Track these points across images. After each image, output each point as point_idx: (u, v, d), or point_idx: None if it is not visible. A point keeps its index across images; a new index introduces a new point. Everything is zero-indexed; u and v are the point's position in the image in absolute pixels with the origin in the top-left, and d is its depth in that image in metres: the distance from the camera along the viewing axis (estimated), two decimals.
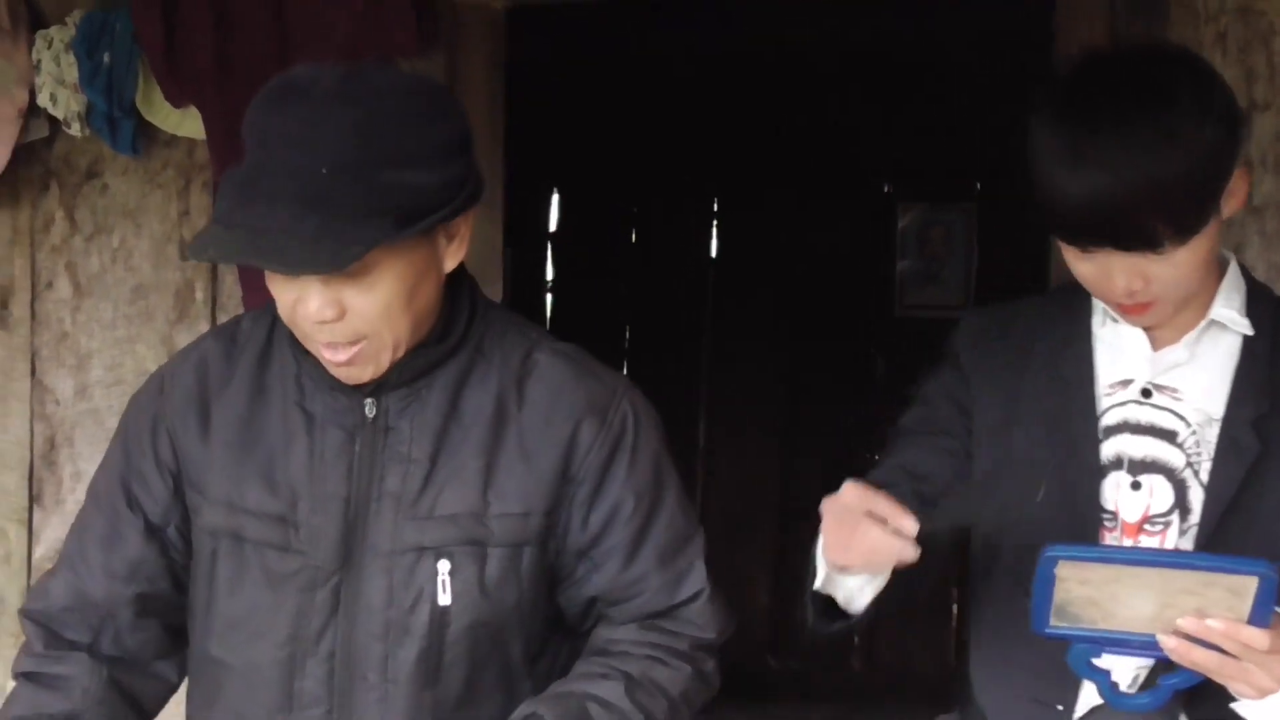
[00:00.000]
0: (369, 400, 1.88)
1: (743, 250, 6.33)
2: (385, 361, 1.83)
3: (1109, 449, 1.88)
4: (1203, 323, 1.86)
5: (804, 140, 6.03)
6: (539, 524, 1.90)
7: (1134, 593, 1.68)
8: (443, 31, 3.21)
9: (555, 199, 6.50)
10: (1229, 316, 1.87)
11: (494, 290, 3.28)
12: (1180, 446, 1.87)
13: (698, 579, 1.95)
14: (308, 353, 1.87)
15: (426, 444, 1.88)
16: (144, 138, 3.35)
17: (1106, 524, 1.86)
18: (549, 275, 6.54)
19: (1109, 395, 1.89)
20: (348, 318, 1.78)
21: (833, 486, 1.77)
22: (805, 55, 5.57)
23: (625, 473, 1.92)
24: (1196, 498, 1.85)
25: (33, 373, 3.49)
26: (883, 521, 1.66)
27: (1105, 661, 1.77)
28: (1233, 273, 1.90)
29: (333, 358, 1.82)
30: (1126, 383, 1.89)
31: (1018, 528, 1.82)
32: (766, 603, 6.20)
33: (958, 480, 1.93)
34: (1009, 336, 1.97)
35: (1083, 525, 1.84)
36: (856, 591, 1.84)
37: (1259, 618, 1.65)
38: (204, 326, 3.36)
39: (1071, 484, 1.87)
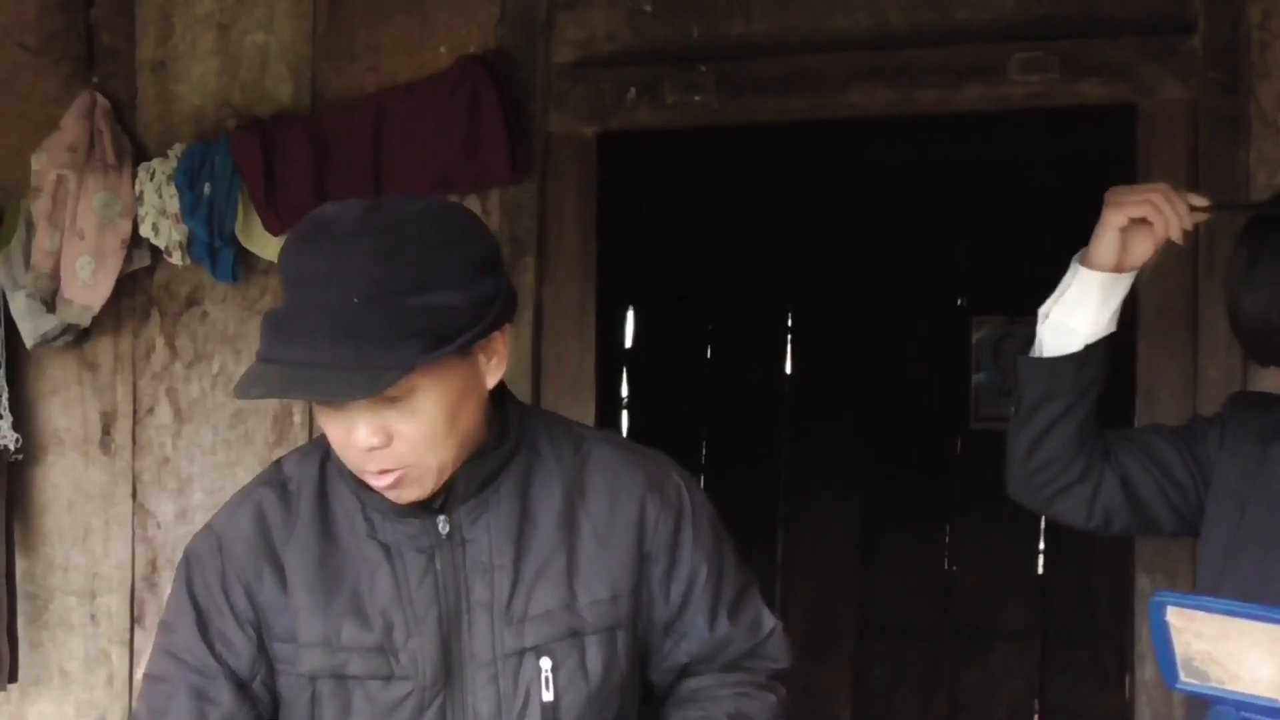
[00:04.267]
0: (441, 518, 1.93)
1: (818, 365, 6.36)
2: (430, 484, 1.88)
3: None
4: None
5: (878, 255, 6.08)
6: (628, 605, 1.97)
7: (1249, 651, 1.72)
8: (536, 159, 3.28)
9: (630, 316, 6.57)
10: None
11: (587, 410, 3.32)
12: None
13: (769, 618, 2.09)
14: (367, 486, 1.91)
15: (507, 549, 1.94)
16: (242, 266, 3.43)
17: None
18: (624, 392, 6.59)
19: None
20: (394, 444, 1.82)
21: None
22: (879, 173, 5.63)
23: (692, 542, 2.00)
24: None
25: (134, 496, 3.55)
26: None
27: None
28: None
29: (378, 482, 1.86)
30: None
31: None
32: (847, 716, 6.15)
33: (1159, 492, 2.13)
34: (1265, 413, 2.08)
35: None
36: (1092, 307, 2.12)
37: None
38: None
39: None
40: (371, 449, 1.83)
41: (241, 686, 1.97)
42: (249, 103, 3.45)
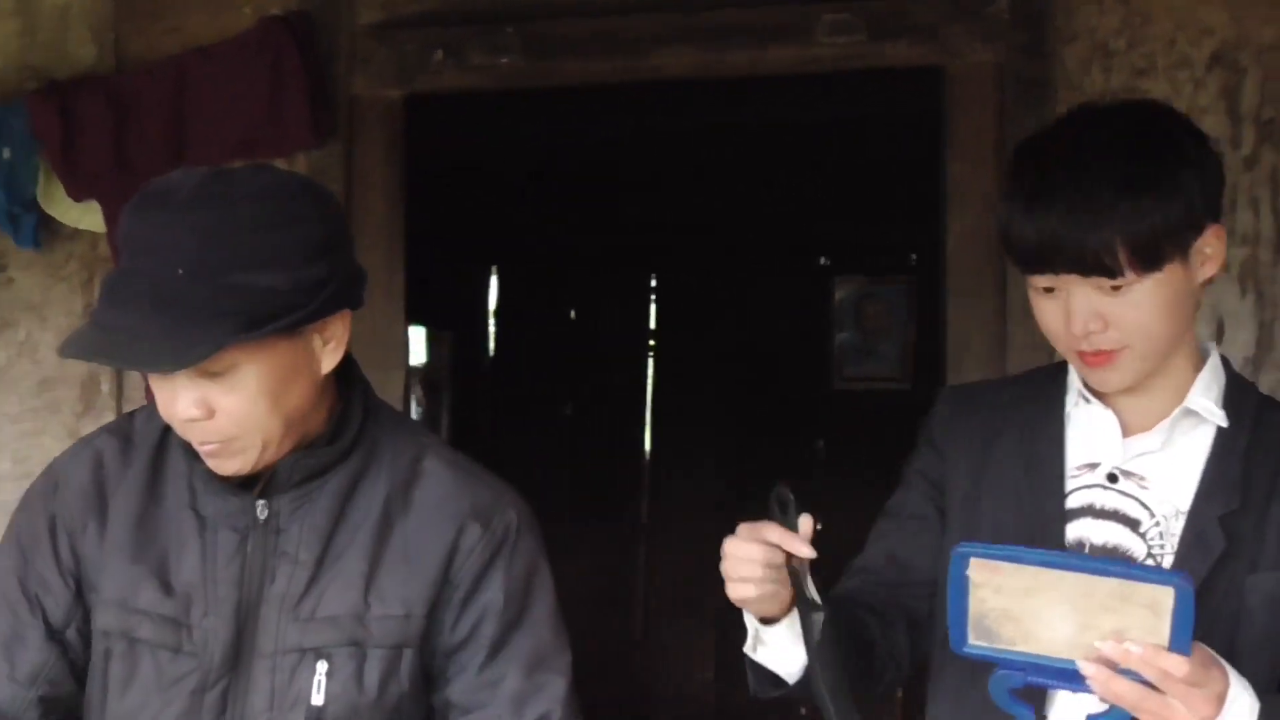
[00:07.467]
0: (261, 502, 1.89)
1: (681, 328, 6.35)
2: (253, 458, 1.85)
3: (1072, 532, 1.86)
4: (1177, 411, 1.84)
5: (741, 215, 6.06)
6: (419, 626, 1.91)
7: (1051, 607, 1.65)
8: (340, 122, 3.22)
9: (495, 278, 6.52)
10: (1204, 406, 1.85)
11: (397, 376, 3.28)
12: (1143, 536, 1.85)
13: (552, 697, 1.93)
14: (198, 455, 1.89)
15: (314, 546, 1.90)
16: (46, 232, 3.34)
17: None
18: (491, 353, 6.56)
19: (1075, 477, 1.88)
20: (216, 418, 1.80)
21: None
22: (742, 133, 5.60)
23: (500, 577, 1.93)
24: None
25: None
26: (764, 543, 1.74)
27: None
28: (1213, 364, 1.88)
29: (201, 447, 1.85)
30: (1094, 466, 1.88)
31: None
32: (711, 676, 6.18)
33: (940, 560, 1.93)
34: (982, 411, 1.98)
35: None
36: (787, 651, 1.83)
37: (1179, 641, 1.61)
38: (110, 418, 3.35)
39: None
40: (191, 420, 1.81)
41: (55, 633, 1.95)
42: (50, 65, 3.35)
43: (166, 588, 1.90)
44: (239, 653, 1.89)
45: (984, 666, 1.74)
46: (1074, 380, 1.92)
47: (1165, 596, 1.60)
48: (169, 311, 1.72)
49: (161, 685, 1.90)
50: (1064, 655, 1.65)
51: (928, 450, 2.00)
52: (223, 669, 1.89)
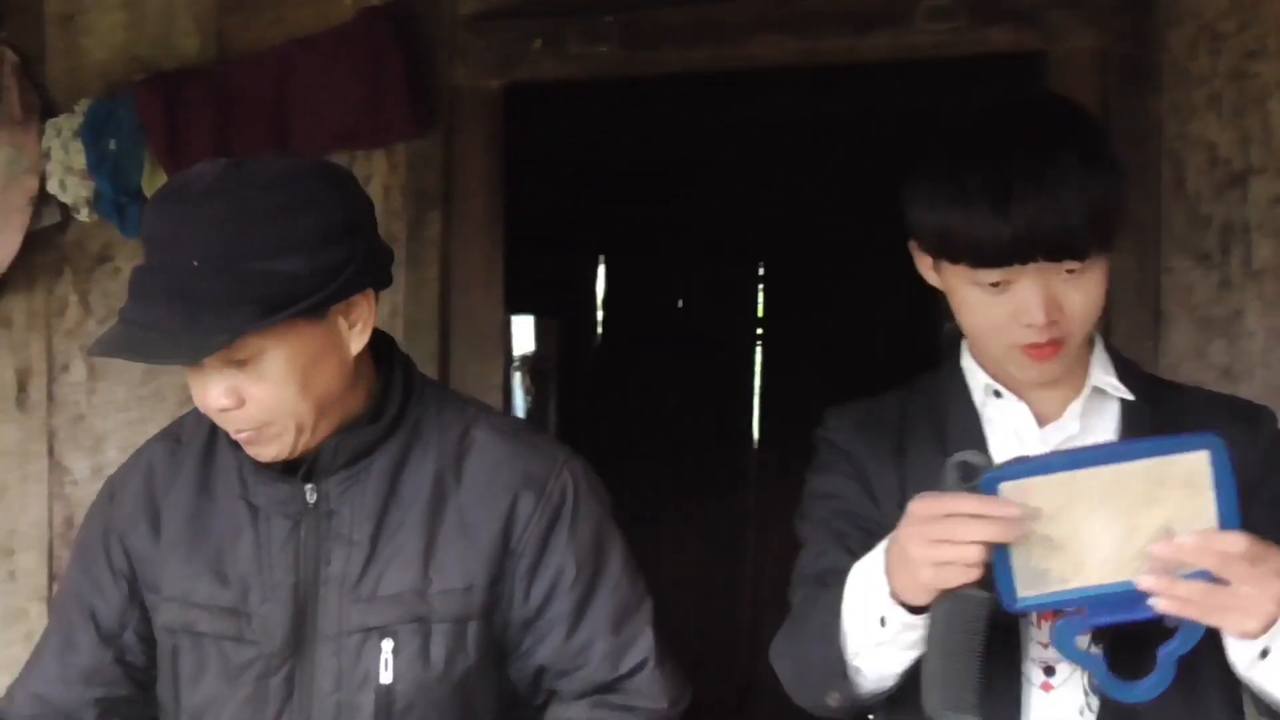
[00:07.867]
0: (309, 486, 1.92)
1: (787, 315, 6.31)
2: (290, 442, 1.87)
3: None
4: (1086, 390, 1.85)
5: (847, 203, 6.01)
6: (482, 598, 1.93)
7: (1091, 518, 1.59)
8: (441, 111, 3.23)
9: (602, 267, 6.53)
10: (1110, 383, 1.86)
11: (496, 365, 3.29)
12: None
13: (644, 647, 1.98)
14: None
15: (366, 526, 1.92)
16: None
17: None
18: (598, 341, 6.57)
19: None
20: (247, 406, 1.83)
21: None
22: (845, 121, 5.56)
23: (565, 542, 1.95)
24: None
25: (50, 454, 3.53)
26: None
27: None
28: (1100, 347, 1.90)
29: (238, 435, 1.88)
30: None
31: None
32: None
33: None
34: (885, 422, 1.93)
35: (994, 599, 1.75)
36: (912, 649, 1.73)
37: (1228, 518, 1.56)
38: None
39: None
40: (223, 409, 1.83)
41: (108, 637, 2.00)
42: (156, 57, 3.39)
43: (223, 579, 1.94)
44: (300, 637, 1.92)
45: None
46: (978, 378, 1.89)
47: (1200, 464, 1.56)
48: (187, 304, 1.75)
49: (229, 675, 1.94)
50: (1119, 578, 1.60)
51: (841, 460, 1.93)
52: (285, 653, 1.92)
